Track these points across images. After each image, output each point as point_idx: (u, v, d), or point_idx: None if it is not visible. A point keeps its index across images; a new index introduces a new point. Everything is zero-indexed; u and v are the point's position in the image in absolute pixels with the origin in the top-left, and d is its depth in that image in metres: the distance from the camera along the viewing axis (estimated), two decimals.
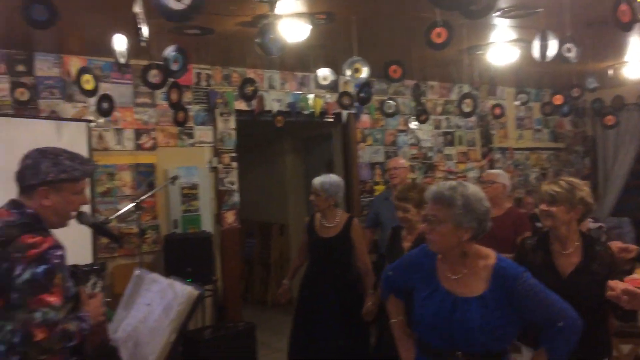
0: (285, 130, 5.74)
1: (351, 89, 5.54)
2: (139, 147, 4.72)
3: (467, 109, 5.50)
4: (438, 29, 3.27)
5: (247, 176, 6.44)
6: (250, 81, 4.99)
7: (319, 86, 4.65)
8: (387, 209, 4.17)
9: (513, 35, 4.40)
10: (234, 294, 5.16)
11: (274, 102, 5.39)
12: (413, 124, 6.29)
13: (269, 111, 5.36)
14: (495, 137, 6.94)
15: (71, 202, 2.01)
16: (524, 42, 4.29)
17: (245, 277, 7.01)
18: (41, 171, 1.93)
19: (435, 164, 6.48)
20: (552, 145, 7.54)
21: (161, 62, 3.76)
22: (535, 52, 3.63)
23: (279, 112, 5.34)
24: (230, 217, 5.16)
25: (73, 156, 2.02)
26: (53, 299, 1.78)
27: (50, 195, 1.95)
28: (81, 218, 2.10)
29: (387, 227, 3.85)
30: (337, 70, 4.51)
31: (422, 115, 5.97)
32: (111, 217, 2.58)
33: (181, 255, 4.49)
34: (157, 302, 1.99)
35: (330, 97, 5.67)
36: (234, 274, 5.16)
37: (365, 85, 5.13)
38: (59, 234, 1.97)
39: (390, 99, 5.80)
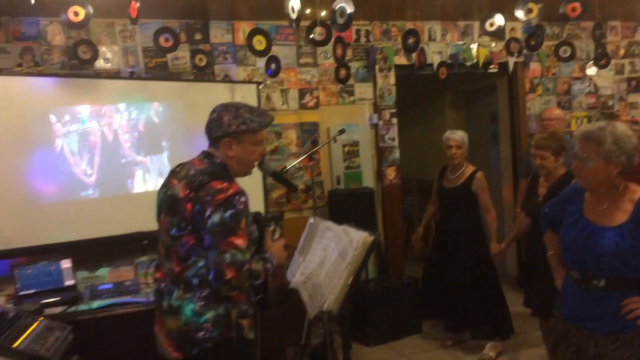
0: (445, 83, 5.56)
1: (519, 35, 5.16)
2: (303, 107, 4.89)
3: None
4: None
5: (406, 133, 6.37)
6: (413, 32, 4.88)
7: (484, 33, 4.39)
8: None
9: None
10: (396, 249, 5.21)
11: (434, 54, 5.22)
12: (591, 70, 5.69)
13: (430, 64, 5.20)
14: None
15: (252, 152, 2.15)
16: None
17: (404, 234, 7.02)
18: (224, 123, 2.10)
19: (616, 113, 5.83)
20: None
21: (326, 20, 3.81)
22: None
23: (441, 64, 5.15)
24: (391, 173, 5.18)
25: (252, 109, 2.16)
26: (240, 242, 1.93)
27: (233, 146, 2.11)
28: (262, 166, 2.25)
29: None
30: (504, 15, 4.21)
31: (602, 59, 5.37)
32: (288, 167, 2.71)
33: (345, 210, 4.61)
34: (333, 247, 2.07)
35: (495, 46, 5.34)
36: (395, 230, 5.20)
37: (536, 30, 4.73)
38: None
39: (564, 43, 5.30)
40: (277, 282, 2.23)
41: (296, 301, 2.60)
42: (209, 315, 2.02)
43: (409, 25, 5.10)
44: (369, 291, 4.33)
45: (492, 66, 5.46)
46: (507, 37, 5.12)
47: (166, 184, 2.18)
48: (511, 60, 5.40)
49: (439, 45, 5.26)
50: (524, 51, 5.26)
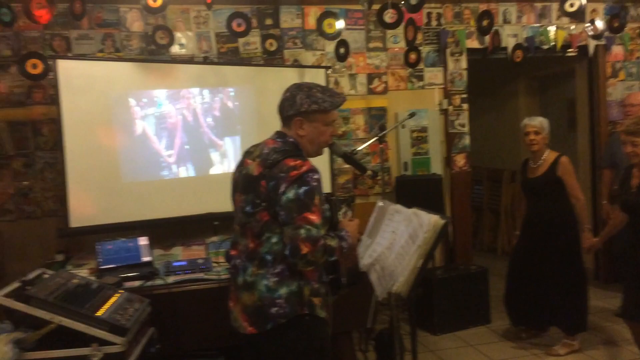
0: (520, 68, 5.36)
1: (601, 17, 4.89)
2: (371, 91, 4.86)
3: None
4: None
5: (476, 120, 6.21)
6: (487, 14, 4.74)
7: (564, 14, 4.19)
8: None
9: None
10: (464, 238, 5.11)
11: (509, 37, 5.05)
12: None
13: (504, 48, 5.03)
14: None
15: (323, 132, 2.17)
16: None
17: (473, 223, 6.88)
18: (296, 103, 2.12)
19: None
20: None
21: (398, 2, 3.77)
22: None
23: (516, 47, 4.97)
24: (460, 160, 5.07)
25: (324, 89, 2.17)
26: (314, 217, 1.96)
27: (304, 125, 2.13)
28: (333, 147, 2.26)
29: (623, 167, 3.65)
30: None
31: None
32: (358, 149, 2.72)
33: (412, 196, 4.55)
34: (402, 230, 2.06)
35: (575, 29, 5.09)
36: (464, 218, 5.10)
37: (620, 11, 4.48)
38: None
39: None
40: (349, 263, 2.23)
41: (363, 284, 2.62)
42: (282, 291, 2.06)
43: (483, 7, 4.95)
44: (436, 279, 4.29)
45: (570, 50, 5.22)
46: (587, 18, 4.87)
47: (241, 164, 2.24)
48: (592, 43, 5.14)
49: (514, 28, 5.08)
50: (606, 33, 4.98)
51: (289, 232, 1.96)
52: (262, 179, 2.06)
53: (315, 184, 2.00)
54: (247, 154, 2.25)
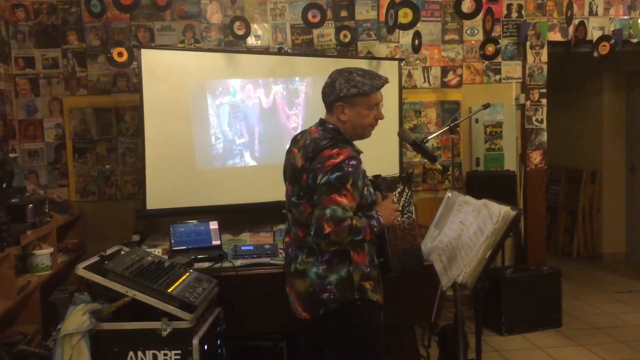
0: (605, 63, 5.08)
1: None
2: (445, 85, 4.77)
3: None
4: None
5: (555, 117, 5.96)
6: (572, 5, 4.53)
7: None
8: None
9: None
10: (537, 238, 4.91)
11: (594, 30, 4.79)
12: None
13: (589, 41, 4.78)
14: None
15: (365, 116, 2.15)
16: None
17: (547, 225, 6.61)
18: (336, 88, 2.12)
19: None
20: None
21: None
22: None
23: (602, 38, 4.70)
24: (536, 157, 4.88)
25: (365, 72, 2.15)
26: (342, 199, 1.96)
27: (345, 110, 2.13)
28: (403, 135, 2.24)
29: None
30: None
31: None
32: (429, 137, 2.67)
33: (483, 192, 4.36)
34: (471, 221, 2.01)
35: None
36: (538, 217, 4.90)
37: None
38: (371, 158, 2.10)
39: None
40: (405, 245, 2.20)
41: (428, 277, 2.58)
42: (332, 277, 2.09)
43: None
44: (506, 277, 4.15)
45: None
46: None
47: (289, 152, 2.29)
48: None
49: (600, 20, 4.82)
50: None
51: (316, 212, 1.99)
52: (303, 172, 2.10)
53: (350, 169, 2.00)
54: (294, 141, 2.29)
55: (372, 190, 2.17)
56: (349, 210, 1.98)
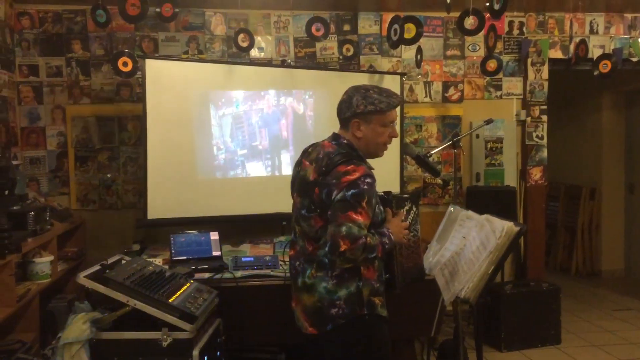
0: (605, 81, 5.12)
1: None
2: (446, 99, 4.80)
3: None
4: None
5: (554, 134, 5.99)
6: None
7: None
8: None
9: None
10: (537, 254, 4.92)
11: (595, 48, 4.84)
12: None
13: (589, 59, 4.82)
14: None
15: (380, 134, 2.16)
16: None
17: (546, 241, 6.62)
18: (353, 104, 2.13)
19: None
20: None
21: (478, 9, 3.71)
22: None
23: (603, 57, 4.74)
24: (536, 173, 4.90)
25: (381, 90, 2.16)
26: (358, 217, 1.95)
27: (361, 127, 2.13)
28: (406, 149, 2.25)
29: None
30: None
31: None
32: (432, 152, 2.69)
33: (483, 208, 4.39)
34: (474, 236, 2.02)
35: None
36: (537, 233, 4.91)
37: None
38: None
39: None
40: (409, 263, 2.20)
41: (428, 292, 2.58)
42: (341, 292, 2.07)
43: (568, 16, 4.77)
44: (505, 293, 4.15)
45: None
46: None
47: (299, 164, 2.27)
48: None
49: (600, 39, 4.87)
50: None
51: (332, 229, 1.97)
52: (315, 186, 2.08)
53: (366, 187, 2.00)
54: (305, 154, 2.27)
55: (382, 207, 2.17)
56: (363, 228, 1.97)
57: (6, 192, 2.89)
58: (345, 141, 2.16)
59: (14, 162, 3.78)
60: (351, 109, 2.13)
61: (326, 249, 1.99)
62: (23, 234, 3.07)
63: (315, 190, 2.07)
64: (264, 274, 3.07)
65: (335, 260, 2.00)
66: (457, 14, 4.10)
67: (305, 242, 2.16)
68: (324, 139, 2.24)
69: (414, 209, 2.24)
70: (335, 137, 2.21)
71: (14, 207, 3.14)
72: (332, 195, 2.01)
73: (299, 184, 2.22)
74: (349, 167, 2.02)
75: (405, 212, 2.20)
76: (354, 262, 2.02)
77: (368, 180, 2.02)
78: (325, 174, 2.05)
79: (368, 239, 1.98)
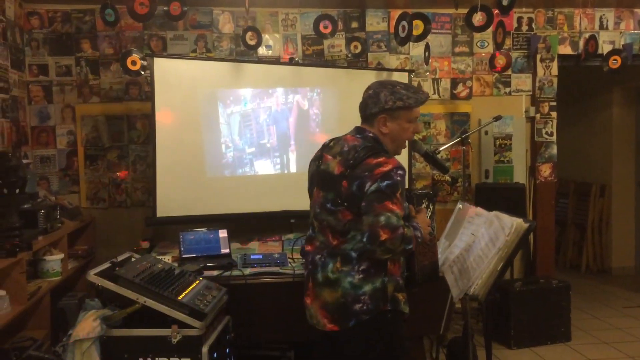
0: (615, 77, 5.08)
1: None
2: (455, 96, 4.78)
3: None
4: None
5: (564, 131, 5.95)
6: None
7: None
8: None
9: None
10: (546, 251, 4.90)
11: (605, 44, 4.80)
12: None
13: (599, 55, 4.79)
14: None
15: (405, 130, 2.14)
16: None
17: (556, 238, 6.58)
18: (380, 100, 2.10)
19: None
20: None
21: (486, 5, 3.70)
22: None
23: (613, 52, 4.70)
24: (546, 169, 4.87)
25: (407, 86, 2.15)
26: (394, 207, 1.93)
27: (388, 122, 2.11)
28: (415, 146, 2.24)
29: None
30: None
31: None
32: (441, 149, 2.68)
33: (492, 205, 4.37)
34: (483, 232, 2.01)
35: None
36: (547, 230, 4.88)
37: None
38: None
39: None
40: (426, 261, 2.19)
41: (437, 289, 2.57)
42: (367, 288, 2.04)
43: (578, 12, 4.74)
44: (515, 291, 4.13)
45: None
46: None
47: (318, 158, 2.23)
48: None
49: (611, 34, 4.83)
50: None
51: (369, 219, 1.93)
52: (343, 179, 2.04)
53: (399, 178, 1.98)
54: (326, 148, 2.22)
55: (406, 203, 2.16)
56: (400, 218, 1.95)
57: (17, 191, 2.90)
58: (371, 134, 2.14)
59: (25, 161, 3.81)
60: (379, 104, 2.11)
61: (364, 239, 1.95)
62: (34, 232, 3.09)
63: (342, 184, 2.04)
64: (273, 271, 3.07)
65: (375, 250, 1.96)
66: (465, 10, 4.10)
67: (329, 236, 2.11)
68: (346, 133, 2.21)
69: (431, 207, 2.24)
70: (359, 130, 2.18)
71: (25, 206, 3.16)
72: (365, 187, 1.97)
73: (321, 178, 2.17)
74: (380, 159, 2.01)
75: (423, 210, 2.19)
76: (392, 254, 1.98)
77: (400, 172, 2.00)
78: (353, 167, 2.02)
79: (405, 230, 1.95)
